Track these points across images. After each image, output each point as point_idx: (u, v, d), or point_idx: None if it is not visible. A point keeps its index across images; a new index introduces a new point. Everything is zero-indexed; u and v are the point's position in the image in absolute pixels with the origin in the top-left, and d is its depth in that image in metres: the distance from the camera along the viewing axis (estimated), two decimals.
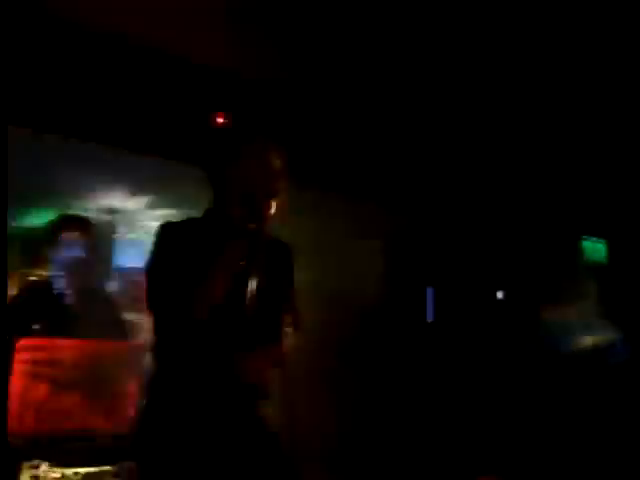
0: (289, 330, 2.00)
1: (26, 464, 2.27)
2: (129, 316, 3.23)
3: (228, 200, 1.94)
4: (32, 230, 3.96)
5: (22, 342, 2.52)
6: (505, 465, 3.45)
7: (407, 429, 3.41)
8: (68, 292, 3.05)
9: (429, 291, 4.96)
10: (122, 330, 3.17)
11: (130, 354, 2.79)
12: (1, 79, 2.25)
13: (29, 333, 2.81)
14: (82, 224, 3.12)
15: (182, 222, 2.00)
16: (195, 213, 2.06)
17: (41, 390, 2.49)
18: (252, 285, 1.85)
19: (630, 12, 3.36)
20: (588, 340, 3.56)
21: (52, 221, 3.16)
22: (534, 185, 4.81)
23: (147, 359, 2.27)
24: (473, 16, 3.59)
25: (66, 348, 2.62)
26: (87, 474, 2.36)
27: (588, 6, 3.35)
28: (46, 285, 3.07)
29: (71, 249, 3.03)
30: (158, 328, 1.88)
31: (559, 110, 4.30)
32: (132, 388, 2.66)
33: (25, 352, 2.52)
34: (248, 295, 1.83)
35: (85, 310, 3.04)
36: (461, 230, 4.92)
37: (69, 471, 2.33)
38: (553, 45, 3.81)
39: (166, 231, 1.95)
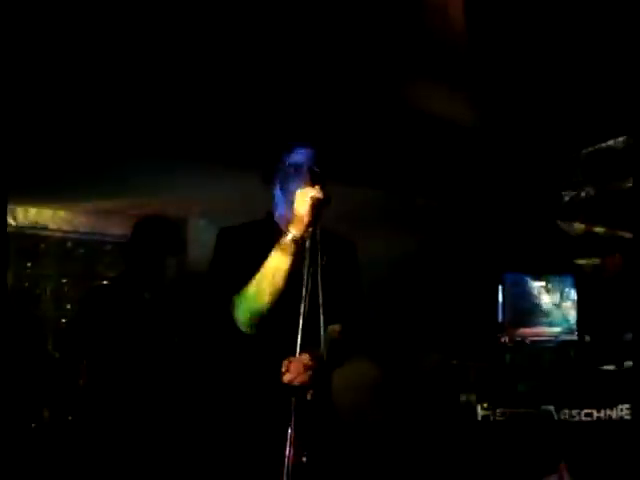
0: (337, 336, 1.94)
1: None
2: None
3: (280, 204, 1.93)
4: None
5: None
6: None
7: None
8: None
9: None
10: None
11: None
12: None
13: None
14: (174, 229, 3.10)
15: (239, 227, 1.99)
16: None
17: None
18: (308, 289, 1.78)
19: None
20: None
21: (144, 225, 3.06)
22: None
23: None
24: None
25: None
26: None
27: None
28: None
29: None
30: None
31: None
32: None
33: None
34: (303, 299, 1.77)
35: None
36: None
37: None
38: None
39: (223, 236, 1.94)
